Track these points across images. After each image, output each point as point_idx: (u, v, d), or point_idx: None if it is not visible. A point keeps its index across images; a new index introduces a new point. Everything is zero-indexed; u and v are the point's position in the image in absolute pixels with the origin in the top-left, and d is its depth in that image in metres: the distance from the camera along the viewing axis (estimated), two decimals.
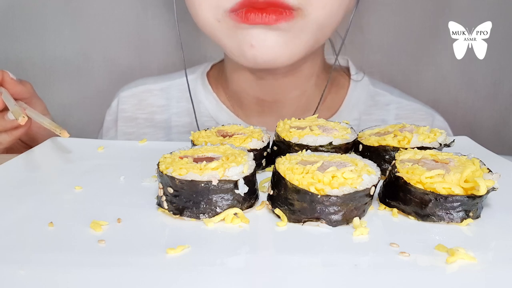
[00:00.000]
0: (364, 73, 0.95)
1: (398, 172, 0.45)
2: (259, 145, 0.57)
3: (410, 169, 0.45)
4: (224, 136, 0.59)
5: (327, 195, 0.41)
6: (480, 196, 0.42)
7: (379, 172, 0.45)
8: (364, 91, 0.93)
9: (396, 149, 0.54)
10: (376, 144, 0.56)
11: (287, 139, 0.56)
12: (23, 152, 0.63)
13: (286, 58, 0.71)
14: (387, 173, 0.48)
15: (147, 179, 0.53)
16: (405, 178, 0.44)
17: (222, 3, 0.67)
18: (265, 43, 0.67)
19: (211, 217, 0.43)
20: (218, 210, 0.43)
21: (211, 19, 0.70)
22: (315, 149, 0.54)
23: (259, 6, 0.64)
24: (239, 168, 0.44)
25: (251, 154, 0.49)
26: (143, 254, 0.37)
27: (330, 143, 0.55)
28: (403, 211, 0.44)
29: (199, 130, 0.62)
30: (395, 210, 0.45)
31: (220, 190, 0.43)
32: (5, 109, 0.65)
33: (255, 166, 0.46)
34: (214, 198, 0.43)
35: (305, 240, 0.39)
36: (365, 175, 0.43)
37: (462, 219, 0.42)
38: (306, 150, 0.51)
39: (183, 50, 0.82)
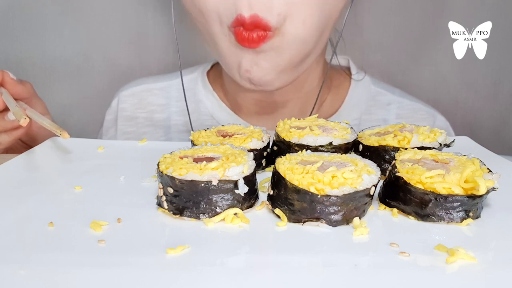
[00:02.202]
0: (365, 72, 0.95)
1: (398, 172, 0.45)
2: (259, 145, 0.57)
3: (410, 169, 0.45)
4: (224, 136, 0.59)
5: (327, 195, 0.41)
6: (480, 196, 0.42)
7: (379, 172, 0.45)
8: (365, 91, 0.92)
9: (396, 149, 0.54)
10: (376, 144, 0.56)
11: (287, 139, 0.56)
12: (23, 152, 0.63)
13: (277, 78, 0.73)
14: (387, 173, 0.48)
15: (147, 179, 0.53)
16: (405, 178, 0.44)
17: (223, 19, 0.70)
18: (257, 68, 0.71)
19: (211, 217, 0.43)
20: (218, 210, 0.43)
21: (220, 34, 0.72)
22: (315, 149, 0.54)
23: (247, 27, 0.67)
24: (239, 168, 0.44)
25: (251, 154, 0.49)
26: (143, 254, 0.37)
27: (330, 143, 0.55)
28: (403, 211, 0.44)
29: (193, 130, 0.63)
30: (395, 210, 0.45)
31: (220, 190, 0.43)
32: (5, 109, 0.65)
33: (255, 166, 0.46)
34: (214, 198, 0.43)
35: (305, 240, 0.39)
36: (365, 175, 0.43)
37: (462, 219, 0.42)
38: (306, 150, 0.51)
39: (179, 51, 0.83)
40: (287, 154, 0.49)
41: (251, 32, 0.67)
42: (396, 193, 0.45)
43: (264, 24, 0.67)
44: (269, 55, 0.71)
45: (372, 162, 0.47)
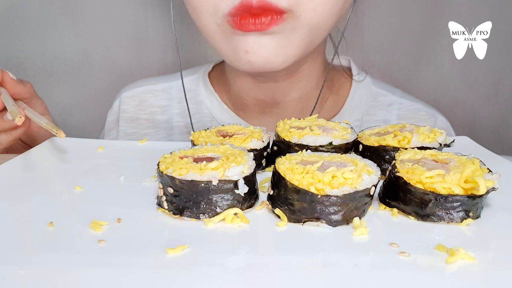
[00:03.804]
0: (366, 73, 0.95)
1: (398, 172, 0.45)
2: (259, 145, 0.57)
3: (410, 169, 0.45)
4: (224, 136, 0.59)
5: (327, 195, 0.41)
6: (480, 196, 0.42)
7: (379, 172, 0.45)
8: (366, 92, 0.92)
9: (396, 149, 0.54)
10: (376, 144, 0.56)
11: (287, 139, 0.56)
12: (23, 152, 0.63)
13: (280, 61, 0.71)
14: (387, 173, 0.48)
15: (147, 179, 0.53)
16: (405, 178, 0.44)
17: (221, 7, 0.67)
18: (260, 48, 0.68)
19: (211, 217, 0.43)
20: (218, 210, 0.43)
21: (212, 24, 0.70)
22: (315, 149, 0.54)
23: (254, 11, 0.64)
24: (239, 168, 0.44)
25: (251, 154, 0.49)
26: (143, 254, 0.37)
27: (330, 143, 0.55)
28: (403, 211, 0.44)
29: (193, 131, 0.63)
30: (395, 210, 0.45)
31: (220, 190, 0.43)
32: (5, 109, 0.65)
33: (255, 166, 0.46)
34: (214, 198, 0.43)
35: (305, 240, 0.39)
36: (365, 175, 0.43)
37: (462, 219, 0.42)
38: (306, 150, 0.51)
39: (179, 52, 0.82)
40: (287, 154, 0.49)
41: (258, 17, 0.64)
42: (396, 193, 0.45)
43: (275, 7, 0.64)
44: (277, 36, 0.67)
45: (372, 162, 0.47)
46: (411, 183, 0.43)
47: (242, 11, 0.65)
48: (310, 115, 0.65)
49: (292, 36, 0.69)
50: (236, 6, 0.65)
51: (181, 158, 0.47)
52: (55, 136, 0.59)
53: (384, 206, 0.46)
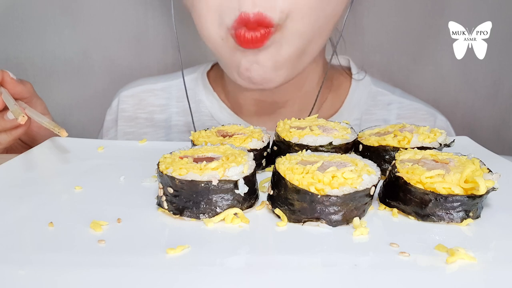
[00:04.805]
0: (366, 72, 0.95)
1: (398, 172, 0.45)
2: (259, 145, 0.57)
3: (410, 169, 0.45)
4: (224, 136, 0.59)
5: (327, 195, 0.41)
6: (480, 196, 0.42)
7: (379, 172, 0.45)
8: (366, 91, 0.92)
9: (396, 149, 0.54)
10: (376, 144, 0.56)
11: (287, 139, 0.56)
12: (23, 152, 0.63)
13: (278, 80, 0.74)
14: (387, 173, 0.48)
15: (147, 179, 0.53)
16: (405, 178, 0.44)
17: (224, 20, 0.69)
18: (258, 66, 0.71)
19: (211, 217, 0.43)
20: (218, 210, 0.43)
21: (216, 36, 0.72)
22: (315, 149, 0.54)
23: (250, 25, 0.66)
24: (239, 168, 0.44)
25: (251, 154, 0.49)
26: (143, 254, 0.37)
27: (330, 143, 0.55)
28: (403, 211, 0.44)
29: (195, 130, 0.63)
30: (395, 210, 0.45)
31: (220, 190, 0.43)
32: (5, 109, 0.65)
33: (255, 166, 0.46)
34: (214, 198, 0.43)
35: (305, 240, 0.39)
36: (365, 175, 0.43)
37: (462, 219, 0.42)
38: (306, 150, 0.51)
39: (180, 52, 0.83)
40: (287, 154, 0.49)
41: (254, 31, 0.67)
42: (396, 193, 0.45)
43: (268, 21, 0.66)
44: (269, 51, 0.70)
45: (372, 162, 0.47)
46: (411, 183, 0.43)
47: (240, 25, 0.67)
48: (310, 115, 0.65)
49: (283, 47, 0.70)
50: (237, 19, 0.67)
51: (181, 158, 0.47)
52: (55, 136, 0.59)
53: (384, 206, 0.46)
